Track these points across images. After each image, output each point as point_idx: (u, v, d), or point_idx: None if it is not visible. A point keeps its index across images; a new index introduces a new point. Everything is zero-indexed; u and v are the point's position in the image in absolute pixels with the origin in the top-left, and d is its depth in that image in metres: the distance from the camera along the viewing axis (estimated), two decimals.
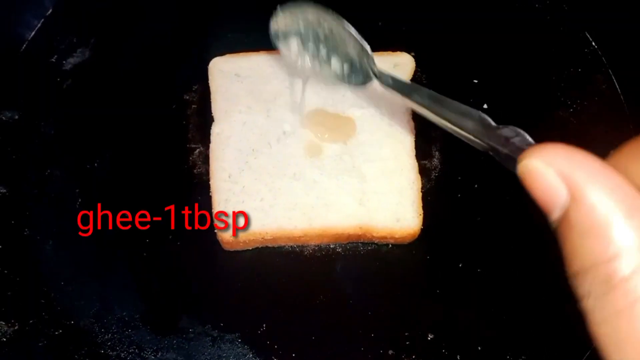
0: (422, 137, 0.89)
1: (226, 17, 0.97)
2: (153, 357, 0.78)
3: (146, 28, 0.97)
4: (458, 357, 0.78)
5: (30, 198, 0.86)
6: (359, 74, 0.75)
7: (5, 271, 0.81)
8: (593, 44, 0.96)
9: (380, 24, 0.98)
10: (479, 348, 0.79)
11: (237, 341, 0.79)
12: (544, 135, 0.91)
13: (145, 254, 0.83)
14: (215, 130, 0.86)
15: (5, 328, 0.79)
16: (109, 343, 0.78)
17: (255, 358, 0.78)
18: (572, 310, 0.79)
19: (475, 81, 0.94)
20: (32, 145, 0.89)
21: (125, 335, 0.79)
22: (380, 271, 0.83)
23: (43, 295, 0.80)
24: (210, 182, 0.84)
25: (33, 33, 0.96)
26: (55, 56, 0.95)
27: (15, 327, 0.79)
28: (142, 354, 0.78)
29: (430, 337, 0.79)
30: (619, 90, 0.93)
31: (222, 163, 0.84)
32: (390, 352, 0.79)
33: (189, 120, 0.90)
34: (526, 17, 0.99)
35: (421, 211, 0.83)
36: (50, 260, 0.82)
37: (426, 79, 0.94)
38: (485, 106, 0.92)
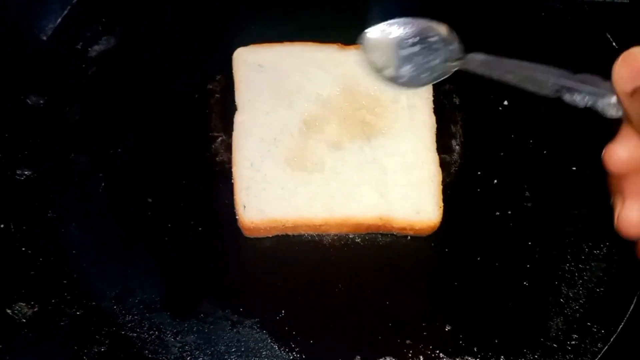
0: (443, 131, 0.90)
1: (250, 8, 0.98)
2: (173, 340, 0.78)
3: (171, 17, 0.98)
4: (475, 349, 0.79)
5: (54, 181, 0.87)
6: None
7: (29, 251, 0.82)
8: (614, 44, 0.97)
9: None
10: (496, 341, 0.79)
11: (256, 326, 0.79)
12: (565, 131, 0.92)
13: (166, 239, 0.83)
14: (238, 119, 0.87)
15: (26, 309, 0.80)
16: (130, 325, 0.79)
17: (273, 343, 0.79)
18: (589, 305, 0.81)
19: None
20: (57, 129, 0.90)
21: (145, 318, 0.79)
22: (399, 262, 0.84)
23: (65, 276, 0.81)
24: (233, 170, 0.85)
25: (60, 20, 0.97)
26: (81, 43, 0.96)
27: (35, 309, 0.80)
28: (162, 336, 0.79)
29: (447, 328, 0.80)
30: None
31: (245, 151, 0.85)
32: (408, 342, 0.79)
33: (212, 109, 0.91)
34: (547, 16, 1.00)
35: (441, 204, 0.84)
36: (73, 241, 0.83)
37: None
38: (505, 102, 0.93)
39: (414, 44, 0.73)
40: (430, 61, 0.73)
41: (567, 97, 0.55)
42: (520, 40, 0.96)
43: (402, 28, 0.74)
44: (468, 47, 0.95)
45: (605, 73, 0.93)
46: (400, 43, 0.73)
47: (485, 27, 0.97)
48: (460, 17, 0.96)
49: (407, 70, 0.73)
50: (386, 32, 0.74)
